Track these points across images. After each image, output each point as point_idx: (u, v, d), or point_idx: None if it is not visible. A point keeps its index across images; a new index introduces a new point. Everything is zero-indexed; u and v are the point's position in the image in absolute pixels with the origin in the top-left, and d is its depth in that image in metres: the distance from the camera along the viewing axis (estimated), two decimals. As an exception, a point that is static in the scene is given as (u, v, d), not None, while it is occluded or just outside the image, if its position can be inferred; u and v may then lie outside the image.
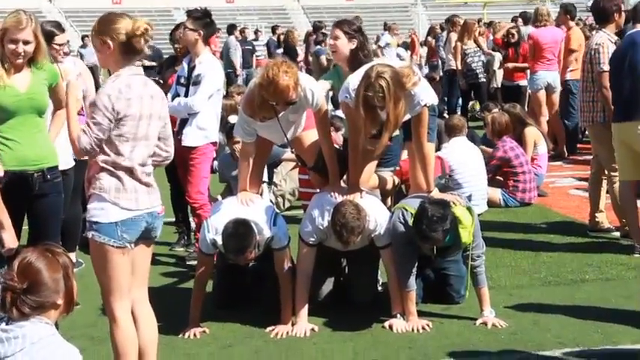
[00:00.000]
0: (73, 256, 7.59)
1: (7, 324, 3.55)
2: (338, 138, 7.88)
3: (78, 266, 7.54)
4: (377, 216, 5.96)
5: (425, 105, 5.90)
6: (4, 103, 5.18)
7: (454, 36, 16.15)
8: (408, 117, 5.94)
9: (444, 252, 5.82)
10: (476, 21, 18.07)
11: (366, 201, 5.96)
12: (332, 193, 6.05)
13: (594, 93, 8.09)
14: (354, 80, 5.79)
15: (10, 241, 4.36)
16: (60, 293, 3.51)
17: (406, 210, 5.90)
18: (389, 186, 6.71)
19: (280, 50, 22.09)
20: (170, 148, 4.81)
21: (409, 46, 26.14)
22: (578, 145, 13.43)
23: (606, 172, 8.10)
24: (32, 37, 5.27)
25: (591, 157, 12.34)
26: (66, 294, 3.53)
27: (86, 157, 7.28)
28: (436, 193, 6.08)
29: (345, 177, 6.29)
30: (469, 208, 5.93)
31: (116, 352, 4.63)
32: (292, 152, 6.74)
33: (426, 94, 5.95)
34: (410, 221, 5.80)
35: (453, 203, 5.81)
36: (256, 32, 27.11)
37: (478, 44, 15.84)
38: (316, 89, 6.00)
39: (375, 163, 6.23)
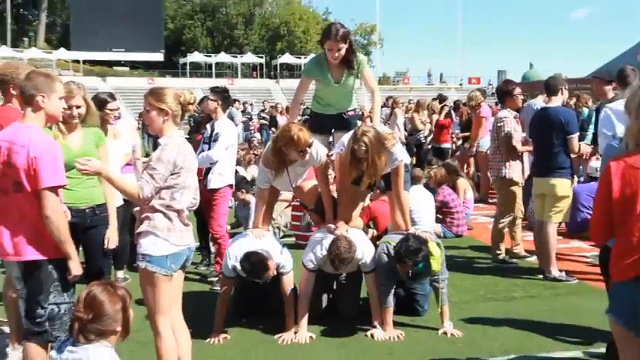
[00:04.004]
0: (121, 273, 6.98)
1: (73, 345, 3.04)
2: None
3: (125, 281, 6.91)
4: (363, 248, 5.36)
5: (401, 161, 5.41)
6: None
7: (399, 111, 15.70)
8: (388, 170, 5.42)
9: (417, 277, 5.22)
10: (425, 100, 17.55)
11: (353, 234, 5.38)
12: (328, 228, 5.47)
13: (499, 155, 7.68)
14: (346, 137, 5.34)
15: (76, 269, 3.72)
16: (119, 322, 3.04)
17: (389, 243, 5.31)
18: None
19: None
20: (198, 196, 4.22)
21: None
22: (489, 192, 12.95)
23: (510, 214, 7.65)
24: (82, 102, 4.79)
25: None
26: (124, 322, 3.05)
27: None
28: (412, 231, 5.50)
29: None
30: (438, 244, 5.35)
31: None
32: (296, 200, 6.13)
33: (402, 153, 5.51)
34: (392, 252, 5.22)
35: (426, 240, 5.24)
36: (251, 105, 26.80)
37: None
38: (320, 149, 5.48)
39: (359, 207, 5.67)
